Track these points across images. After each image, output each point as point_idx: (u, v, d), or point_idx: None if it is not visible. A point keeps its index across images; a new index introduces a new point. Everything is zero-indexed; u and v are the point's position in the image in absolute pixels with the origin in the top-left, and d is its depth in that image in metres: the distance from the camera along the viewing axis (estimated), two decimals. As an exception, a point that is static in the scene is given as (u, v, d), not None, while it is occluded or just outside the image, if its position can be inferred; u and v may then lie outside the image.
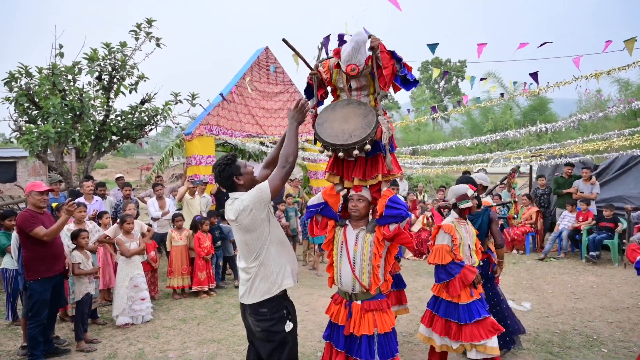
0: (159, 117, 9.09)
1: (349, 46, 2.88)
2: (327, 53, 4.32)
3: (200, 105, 9.12)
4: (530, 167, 11.01)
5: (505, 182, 5.42)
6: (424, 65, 45.60)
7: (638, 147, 7.85)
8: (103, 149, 9.05)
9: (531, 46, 4.60)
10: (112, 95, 8.58)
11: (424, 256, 9.24)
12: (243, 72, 10.22)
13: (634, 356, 4.33)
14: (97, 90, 8.38)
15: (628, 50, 3.51)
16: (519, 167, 8.00)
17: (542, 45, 4.48)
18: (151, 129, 9.35)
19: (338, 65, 3.08)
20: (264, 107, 10.65)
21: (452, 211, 3.90)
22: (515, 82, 6.48)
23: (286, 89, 11.14)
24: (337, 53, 3.04)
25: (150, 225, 7.05)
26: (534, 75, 4.53)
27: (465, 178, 4.52)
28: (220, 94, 9.30)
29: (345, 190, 3.19)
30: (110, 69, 8.32)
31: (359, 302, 3.01)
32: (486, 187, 4.84)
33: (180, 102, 9.12)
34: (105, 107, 8.51)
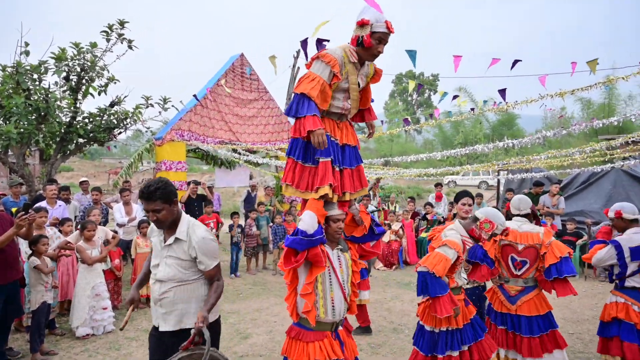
0: (128, 120, 8.88)
1: (373, 8, 2.65)
2: (306, 56, 4.32)
3: (174, 107, 8.98)
4: (498, 180, 11.31)
5: (370, 191, 5.83)
6: (398, 77, 46.43)
7: (598, 164, 8.19)
8: (68, 152, 8.75)
9: (502, 63, 4.75)
10: (79, 97, 8.33)
11: (394, 267, 9.31)
12: (217, 78, 10.13)
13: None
14: (64, 91, 8.12)
15: (591, 69, 3.66)
16: (381, 178, 8.50)
17: (513, 65, 4.61)
18: (120, 133, 9.12)
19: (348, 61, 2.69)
20: (238, 113, 10.57)
21: (458, 223, 3.53)
22: (485, 101, 6.65)
23: (260, 96, 11.10)
24: (362, 25, 2.59)
25: (115, 231, 6.84)
26: (502, 92, 4.67)
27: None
28: (194, 96, 9.18)
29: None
30: (78, 69, 8.08)
31: (340, 327, 2.79)
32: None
33: (152, 105, 8.95)
34: (72, 108, 8.25)
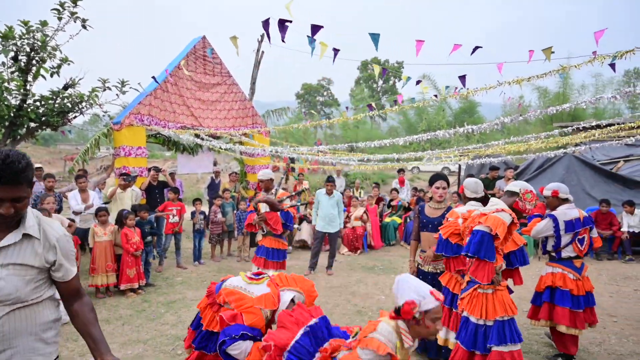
0: (84, 104, 8.46)
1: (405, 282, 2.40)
2: (269, 38, 4.24)
3: (133, 89, 8.63)
4: (459, 165, 11.62)
5: (285, 176, 6.39)
6: (363, 64, 46.58)
7: (552, 149, 8.55)
8: (19, 137, 8.28)
9: (463, 50, 4.84)
10: (30, 79, 7.87)
11: (359, 251, 9.44)
12: (178, 61, 9.81)
13: (544, 342, 4.71)
14: (12, 72, 7.64)
15: (546, 57, 3.79)
16: (293, 161, 8.86)
17: (473, 51, 4.71)
18: (75, 117, 8.69)
19: None
20: (200, 98, 10.30)
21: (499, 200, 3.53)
22: (447, 87, 6.78)
23: (224, 80, 10.85)
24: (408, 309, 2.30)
25: (72, 220, 6.58)
26: (462, 79, 4.77)
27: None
28: (153, 78, 8.85)
29: None
30: (28, 49, 7.61)
31: None
32: (272, 180, 5.72)
33: (109, 88, 8.57)
34: (22, 90, 7.78)
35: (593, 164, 10.43)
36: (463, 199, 4.06)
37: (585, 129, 8.63)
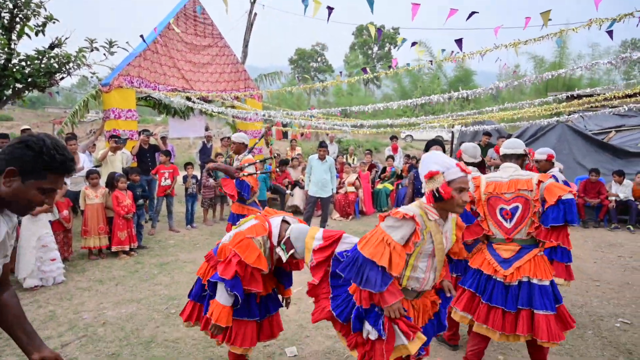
0: (71, 64, 8.25)
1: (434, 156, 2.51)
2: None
3: (122, 48, 8.41)
4: (452, 132, 11.60)
5: (262, 139, 6.22)
6: (358, 29, 45.58)
7: (545, 117, 8.55)
8: (5, 98, 8.09)
9: (460, 15, 4.74)
10: (14, 37, 7.62)
11: (350, 217, 9.54)
12: (167, 21, 9.52)
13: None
14: (-5, 30, 7.38)
15: (544, 21, 3.72)
16: (272, 126, 8.76)
17: (470, 16, 4.62)
18: (62, 78, 8.49)
19: None
20: (191, 60, 10.07)
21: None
22: (443, 50, 6.68)
23: (215, 42, 10.59)
24: (432, 177, 2.41)
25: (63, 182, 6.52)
26: (459, 42, 4.69)
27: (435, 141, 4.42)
28: (141, 37, 8.59)
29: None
30: (11, 5, 7.33)
31: None
32: (247, 145, 5.52)
33: (96, 49, 8.33)
34: (6, 50, 7.54)
35: (585, 134, 10.47)
36: None
37: (579, 96, 8.60)
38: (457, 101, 24.32)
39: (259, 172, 5.36)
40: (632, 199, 8.76)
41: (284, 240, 2.76)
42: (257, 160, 5.42)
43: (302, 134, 21.20)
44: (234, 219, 5.43)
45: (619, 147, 10.22)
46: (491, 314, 3.01)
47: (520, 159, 3.24)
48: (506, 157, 3.27)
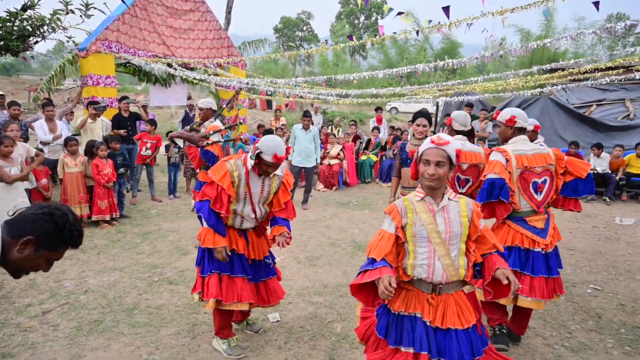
0: (46, 28, 7.89)
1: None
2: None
3: (99, 10, 8.06)
4: (437, 103, 11.60)
5: (230, 105, 6.02)
6: (345, -2, 44.61)
7: (529, 89, 8.59)
8: (-25, 61, 7.76)
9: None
10: (-18, -4, 7.24)
11: (334, 188, 9.57)
12: (147, -16, 9.14)
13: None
14: (-39, -12, 7.00)
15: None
16: (240, 89, 8.61)
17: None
18: (37, 42, 8.13)
19: None
20: (172, 25, 9.75)
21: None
22: (430, 21, 6.58)
23: (197, 7, 10.25)
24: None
25: (40, 149, 6.36)
26: (446, 10, 4.62)
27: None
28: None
29: None
30: (-23, -37, 6.94)
31: (251, 230, 3.29)
32: (215, 111, 5.55)
33: (72, 12, 7.98)
34: (-26, 10, 7.17)
35: (567, 107, 10.58)
36: (450, 132, 4.00)
37: (562, 69, 8.65)
38: (443, 73, 24.23)
39: (223, 139, 5.14)
40: (610, 171, 8.97)
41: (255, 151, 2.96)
42: (223, 127, 5.19)
43: (286, 105, 20.94)
44: (201, 186, 5.30)
45: (599, 121, 10.37)
46: (535, 285, 3.13)
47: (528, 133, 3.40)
48: (521, 131, 3.29)
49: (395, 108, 27.19)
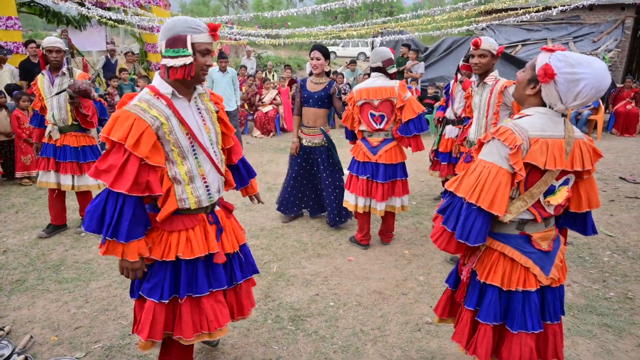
0: None
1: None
2: None
3: None
4: (372, 42, 11.52)
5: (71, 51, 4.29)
6: None
7: (457, 27, 8.72)
8: None
9: None
10: None
11: (271, 134, 9.44)
12: None
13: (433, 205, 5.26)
14: None
15: None
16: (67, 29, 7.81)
17: None
18: None
19: None
20: (81, -41, 8.70)
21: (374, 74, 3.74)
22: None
23: (109, -62, 9.17)
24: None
25: None
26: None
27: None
28: None
29: None
30: None
31: (217, 207, 2.18)
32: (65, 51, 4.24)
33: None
34: None
35: (494, 47, 10.90)
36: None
37: (488, 12, 8.82)
38: (380, 15, 23.97)
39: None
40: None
41: None
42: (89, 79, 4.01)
43: (220, 50, 19.97)
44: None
45: (523, 60, 10.83)
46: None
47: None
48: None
49: (334, 52, 26.80)
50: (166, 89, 1.86)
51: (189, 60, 1.78)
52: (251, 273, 2.26)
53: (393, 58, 3.75)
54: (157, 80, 1.89)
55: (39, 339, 2.73)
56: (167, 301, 1.94)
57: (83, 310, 3.05)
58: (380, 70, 3.73)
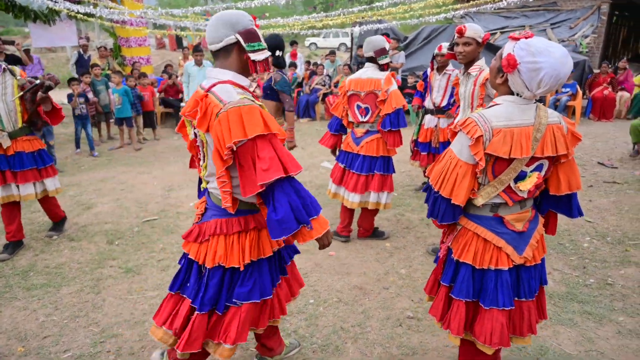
0: None
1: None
2: None
3: None
4: (351, 33, 11.41)
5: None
6: None
7: (434, 15, 8.67)
8: None
9: None
10: None
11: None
12: None
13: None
14: None
15: None
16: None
17: None
18: None
19: None
20: (47, -50, 8.36)
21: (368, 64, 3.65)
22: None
23: None
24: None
25: None
26: None
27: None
28: None
29: None
30: None
31: None
32: None
33: None
34: None
35: (473, 35, 10.88)
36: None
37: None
38: (360, 4, 23.79)
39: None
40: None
41: None
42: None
43: (199, 43, 19.56)
44: None
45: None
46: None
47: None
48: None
49: (315, 44, 26.60)
50: (245, 81, 1.82)
51: (268, 53, 1.79)
52: (294, 253, 2.24)
53: (387, 48, 3.63)
54: (231, 74, 1.79)
55: (4, 351, 2.60)
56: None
57: (52, 317, 2.92)
58: (372, 60, 3.65)
